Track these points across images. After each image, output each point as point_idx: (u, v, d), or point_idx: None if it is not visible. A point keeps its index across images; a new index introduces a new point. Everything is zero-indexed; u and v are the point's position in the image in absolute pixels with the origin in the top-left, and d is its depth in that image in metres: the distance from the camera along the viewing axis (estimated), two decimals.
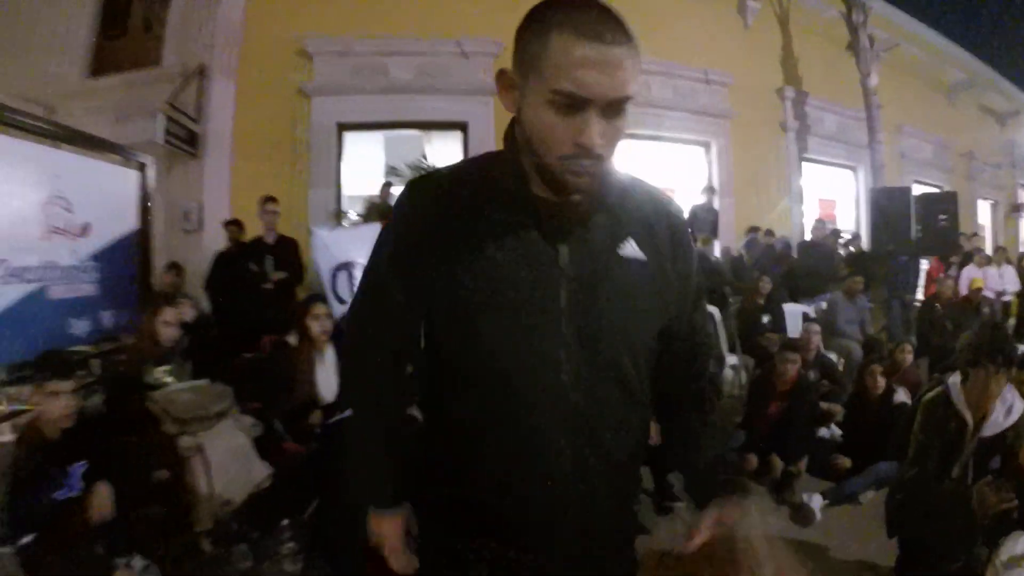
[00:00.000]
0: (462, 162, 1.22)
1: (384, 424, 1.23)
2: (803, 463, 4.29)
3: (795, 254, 8.54)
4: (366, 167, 9.25)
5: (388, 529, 1.25)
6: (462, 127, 8.72)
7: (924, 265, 8.76)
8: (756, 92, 10.11)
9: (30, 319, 3.46)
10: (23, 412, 2.94)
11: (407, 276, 1.11)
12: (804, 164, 10.81)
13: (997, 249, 9.34)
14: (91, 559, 2.70)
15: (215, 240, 6.78)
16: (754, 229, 9.10)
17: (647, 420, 1.22)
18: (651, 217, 1.15)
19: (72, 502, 2.72)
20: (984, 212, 14.96)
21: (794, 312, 6.82)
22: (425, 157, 9.03)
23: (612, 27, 0.95)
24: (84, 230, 3.89)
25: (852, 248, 9.03)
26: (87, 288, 3.88)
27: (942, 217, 8.01)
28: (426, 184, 1.15)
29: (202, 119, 8.17)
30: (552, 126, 0.97)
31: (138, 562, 2.77)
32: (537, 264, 1.05)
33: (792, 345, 4.74)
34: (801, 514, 3.85)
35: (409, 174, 8.25)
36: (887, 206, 7.85)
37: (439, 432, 1.17)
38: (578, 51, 0.93)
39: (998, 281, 8.58)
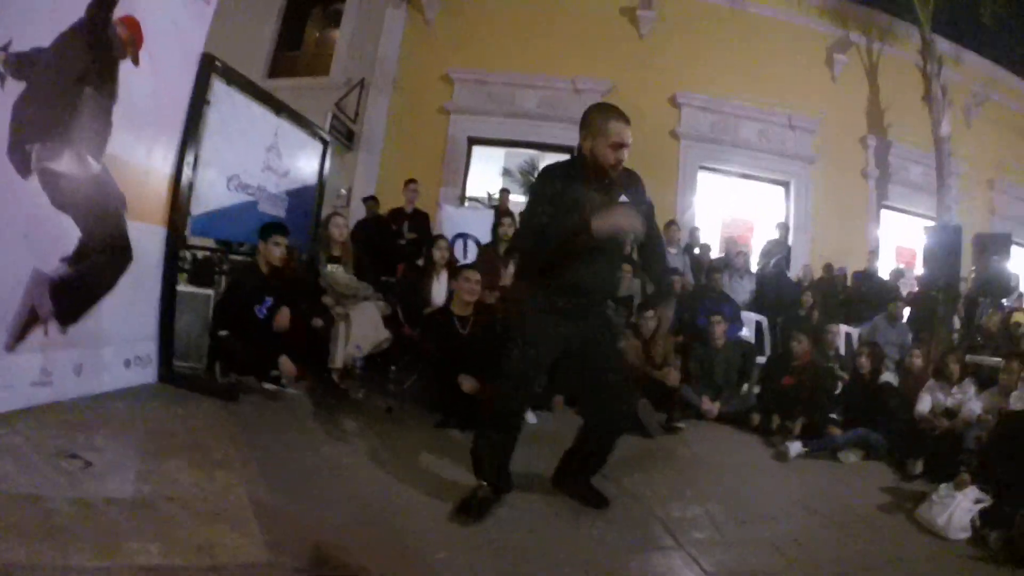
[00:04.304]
0: (561, 162, 2.97)
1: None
2: (798, 425, 5.06)
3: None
4: (488, 175, 10.85)
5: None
6: (570, 150, 10.11)
7: None
8: (839, 139, 10.78)
9: (246, 219, 4.88)
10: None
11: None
12: (884, 211, 11.17)
13: None
14: (262, 354, 4.19)
15: (358, 215, 8.37)
16: (829, 267, 9.40)
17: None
18: (635, 183, 2.89)
19: (261, 320, 4.29)
20: None
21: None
22: (529, 162, 10.39)
23: (626, 118, 2.72)
24: (285, 174, 5.44)
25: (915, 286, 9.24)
26: (280, 212, 5.37)
27: (995, 258, 8.18)
28: (551, 167, 2.92)
29: (359, 121, 10.16)
30: (608, 154, 2.69)
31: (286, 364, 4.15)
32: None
33: (805, 331, 5.83)
34: (779, 453, 4.61)
35: (519, 178, 9.87)
36: (938, 245, 8.12)
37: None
38: (621, 127, 2.70)
39: None
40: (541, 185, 2.85)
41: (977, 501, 3.49)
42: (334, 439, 3.62)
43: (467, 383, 4.18)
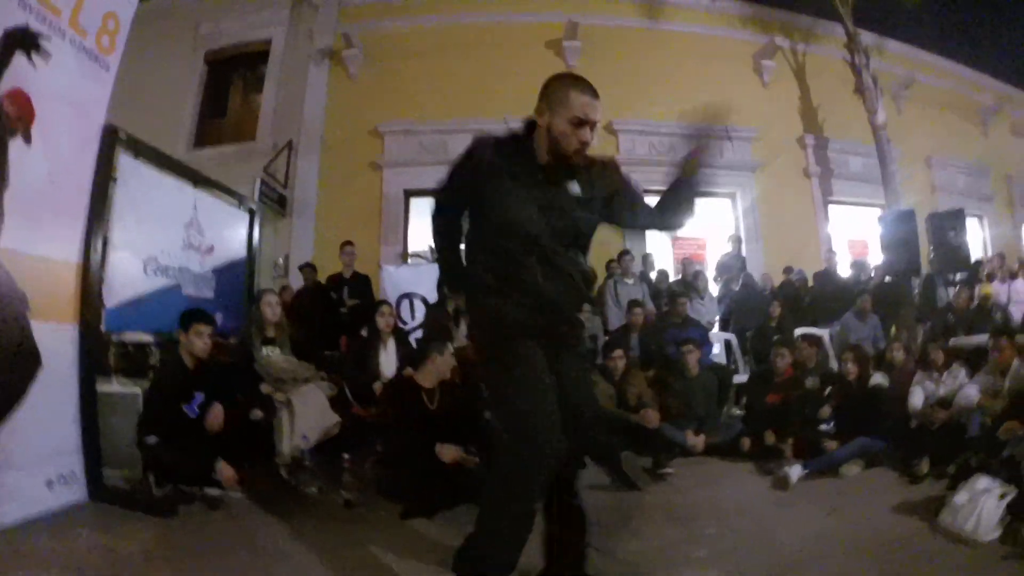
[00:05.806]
0: (501, 136, 2.27)
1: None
2: (790, 445, 4.80)
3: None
4: (429, 227, 10.48)
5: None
6: None
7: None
8: (778, 143, 10.82)
9: (169, 305, 4.49)
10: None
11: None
12: (832, 207, 11.20)
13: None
14: (197, 459, 3.66)
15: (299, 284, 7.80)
16: (788, 269, 9.34)
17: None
18: (592, 169, 2.24)
19: (192, 419, 3.81)
20: None
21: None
22: None
23: (594, 91, 2.12)
24: (209, 250, 5.06)
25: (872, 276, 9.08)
26: (208, 292, 5.03)
27: (951, 234, 8.30)
28: (486, 139, 2.23)
29: (290, 185, 9.75)
30: (567, 134, 2.10)
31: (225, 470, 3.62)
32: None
33: (784, 343, 5.55)
34: (779, 480, 4.22)
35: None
36: (893, 231, 8.23)
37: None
38: (585, 99, 2.09)
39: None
40: (466, 160, 2.23)
41: (1002, 496, 3.21)
42: (288, 550, 3.08)
43: (448, 452, 3.73)
